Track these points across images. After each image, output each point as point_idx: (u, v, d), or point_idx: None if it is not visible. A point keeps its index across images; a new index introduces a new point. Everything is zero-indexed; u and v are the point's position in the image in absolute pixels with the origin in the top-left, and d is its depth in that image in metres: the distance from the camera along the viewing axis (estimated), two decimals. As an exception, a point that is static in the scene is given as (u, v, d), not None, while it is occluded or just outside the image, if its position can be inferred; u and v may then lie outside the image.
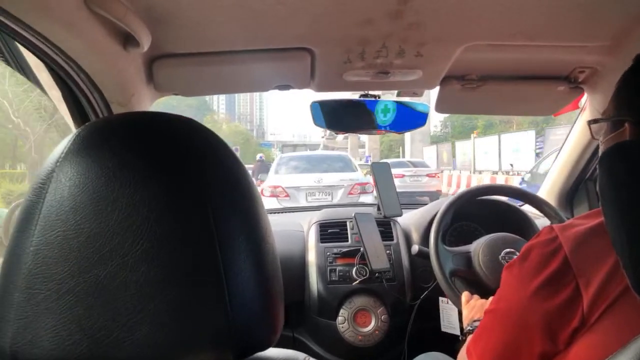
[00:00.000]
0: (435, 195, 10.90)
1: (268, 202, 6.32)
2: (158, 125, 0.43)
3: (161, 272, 0.38)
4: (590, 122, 0.74)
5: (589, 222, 0.63)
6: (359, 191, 6.71)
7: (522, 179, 9.87)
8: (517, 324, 0.65)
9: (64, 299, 0.37)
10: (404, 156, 23.23)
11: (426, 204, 1.70)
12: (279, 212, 2.13)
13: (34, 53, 0.82)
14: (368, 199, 6.54)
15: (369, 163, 13.79)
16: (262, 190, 6.83)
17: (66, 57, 0.82)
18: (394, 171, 9.57)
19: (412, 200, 8.46)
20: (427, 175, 12.19)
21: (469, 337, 0.89)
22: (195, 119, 0.47)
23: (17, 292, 0.38)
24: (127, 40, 0.87)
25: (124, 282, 0.37)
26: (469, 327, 1.00)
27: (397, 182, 10.58)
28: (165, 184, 0.39)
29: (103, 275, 0.37)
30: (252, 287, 0.41)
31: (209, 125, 0.47)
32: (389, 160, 13.22)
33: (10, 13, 0.64)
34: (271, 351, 0.46)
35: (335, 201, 6.49)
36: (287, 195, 6.59)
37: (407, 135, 21.37)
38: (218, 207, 0.40)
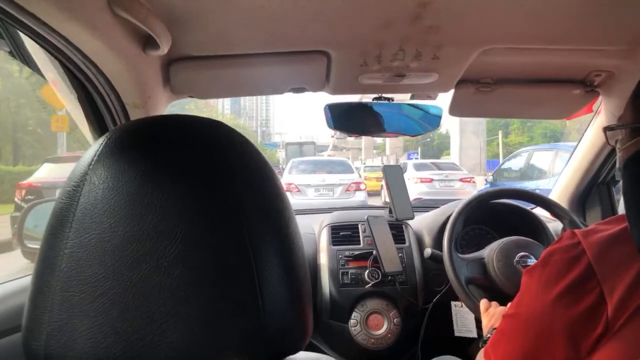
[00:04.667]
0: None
1: None
2: (189, 129, 0.43)
3: (194, 275, 0.38)
4: (606, 129, 0.72)
5: (612, 228, 0.62)
6: (354, 188, 8.53)
7: (485, 179, 9.64)
8: (539, 330, 0.64)
9: (98, 302, 0.37)
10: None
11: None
12: None
13: (54, 55, 0.82)
14: (361, 195, 8.51)
15: (414, 160, 13.27)
16: None
17: (86, 59, 0.83)
18: (420, 174, 9.42)
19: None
20: (461, 179, 10.62)
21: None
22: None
23: (51, 294, 0.38)
24: (147, 42, 0.87)
25: (158, 285, 0.37)
26: (489, 335, 0.99)
27: (424, 187, 9.52)
28: (197, 187, 0.39)
29: (137, 278, 0.37)
30: (284, 291, 0.41)
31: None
32: (413, 161, 12.87)
33: (35, 16, 0.64)
34: (300, 354, 0.46)
35: (336, 196, 8.40)
36: (299, 191, 8.40)
37: (455, 126, 19.35)
38: (250, 210, 0.40)
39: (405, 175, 10.06)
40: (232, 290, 0.38)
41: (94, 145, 0.42)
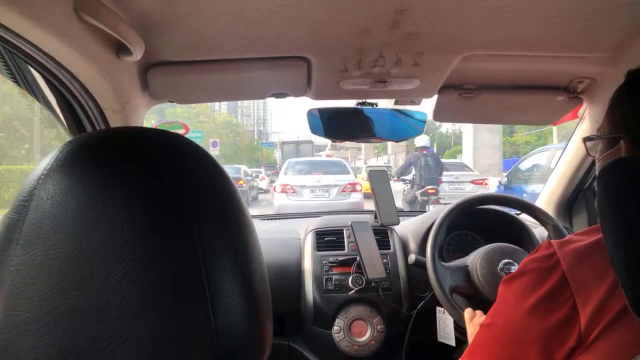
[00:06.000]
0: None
1: (279, 197, 8.51)
2: (144, 142, 0.42)
3: (144, 294, 0.36)
4: (585, 139, 0.72)
5: (588, 238, 0.62)
6: (350, 189, 8.50)
7: (499, 182, 8.77)
8: (513, 341, 0.63)
9: (43, 321, 0.36)
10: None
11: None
12: (275, 218, 2.11)
13: (27, 62, 0.81)
14: (357, 196, 8.43)
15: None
16: (273, 187, 9.13)
17: (59, 65, 0.82)
18: None
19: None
20: (473, 181, 9.70)
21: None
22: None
23: None
24: (121, 48, 0.86)
25: (106, 304, 0.36)
26: None
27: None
28: (149, 203, 0.38)
29: (84, 296, 0.36)
30: (240, 309, 0.40)
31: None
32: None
33: (1, 24, 0.63)
34: None
35: (331, 197, 8.41)
36: (294, 192, 8.41)
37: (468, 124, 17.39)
38: (204, 226, 0.39)
39: (410, 176, 9.34)
40: (184, 310, 0.37)
41: (45, 159, 0.41)
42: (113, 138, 0.42)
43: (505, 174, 9.41)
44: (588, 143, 0.73)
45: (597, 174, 0.65)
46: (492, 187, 10.12)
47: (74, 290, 0.36)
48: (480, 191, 9.05)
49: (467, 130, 18.66)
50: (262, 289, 0.44)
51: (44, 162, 0.40)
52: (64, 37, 0.72)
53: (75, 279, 0.36)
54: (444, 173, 8.75)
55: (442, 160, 8.40)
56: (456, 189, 9.41)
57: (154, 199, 0.38)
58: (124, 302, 0.36)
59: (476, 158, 17.08)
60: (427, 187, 6.84)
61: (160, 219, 0.38)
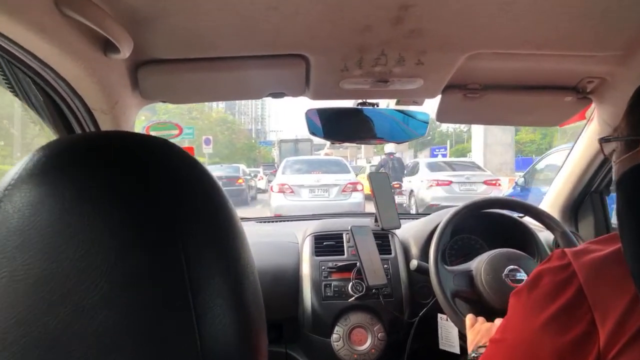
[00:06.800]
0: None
1: (276, 198, 8.20)
2: (126, 148, 0.37)
3: (122, 320, 0.32)
4: (601, 140, 0.69)
5: (605, 248, 0.58)
6: (351, 189, 8.20)
7: (516, 182, 8.19)
8: (525, 357, 0.60)
9: (9, 351, 0.32)
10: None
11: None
12: (273, 222, 2.07)
13: (9, 60, 0.77)
14: (358, 196, 8.14)
15: (429, 158, 12.71)
16: (271, 187, 8.76)
17: (42, 63, 0.77)
18: (436, 176, 8.58)
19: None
20: (485, 182, 8.92)
21: None
22: None
23: None
24: (108, 45, 0.82)
25: (80, 332, 0.32)
26: (473, 354, 0.95)
27: (441, 192, 8.65)
28: (129, 217, 0.34)
29: (54, 323, 0.32)
30: (231, 334, 0.36)
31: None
32: (422, 160, 11.55)
33: None
34: None
35: (331, 198, 8.09)
36: (292, 192, 8.11)
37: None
38: (191, 243, 0.35)
39: (417, 177, 9.65)
40: (168, 336, 0.33)
41: (13, 168, 0.36)
42: (91, 143, 0.38)
43: (521, 173, 8.92)
44: (604, 144, 0.69)
45: (614, 178, 0.62)
46: (505, 188, 9.46)
47: (44, 317, 0.32)
48: (493, 193, 8.63)
49: (477, 126, 16.98)
50: (256, 309, 0.40)
51: (12, 171, 0.36)
52: (45, 33, 0.68)
53: (44, 304, 0.32)
54: (454, 173, 9.37)
55: (451, 159, 9.50)
56: (467, 190, 8.71)
57: (135, 211, 0.34)
58: (100, 329, 0.32)
59: (487, 156, 16.11)
60: (393, 183, 7.88)
61: (140, 236, 0.34)
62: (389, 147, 9.14)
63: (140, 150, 0.38)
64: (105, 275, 0.32)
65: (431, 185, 9.04)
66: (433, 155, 20.34)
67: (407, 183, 9.82)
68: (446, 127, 36.60)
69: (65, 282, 0.32)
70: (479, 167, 10.27)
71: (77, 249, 0.32)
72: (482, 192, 8.75)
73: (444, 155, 20.69)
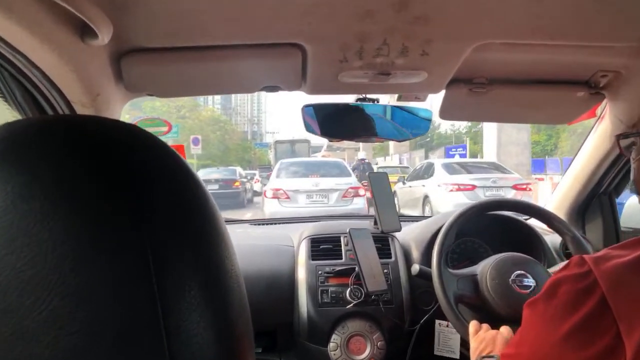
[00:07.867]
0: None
1: (270, 204, 7.46)
2: (85, 135, 0.31)
3: (76, 341, 0.27)
4: (619, 137, 0.65)
5: (629, 254, 0.54)
6: (352, 194, 7.49)
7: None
8: None
9: None
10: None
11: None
12: (267, 224, 2.02)
13: None
14: (360, 202, 7.44)
15: (444, 159, 12.48)
16: (264, 192, 8.00)
17: (12, 49, 0.71)
18: (456, 180, 7.67)
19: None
20: (514, 187, 7.77)
21: None
22: None
23: None
24: (85, 30, 0.75)
25: (23, 355, 0.26)
26: None
27: (463, 197, 7.31)
28: (86, 216, 0.28)
29: None
30: (210, 357, 0.30)
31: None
32: (437, 161, 10.01)
33: None
34: None
35: (331, 204, 7.36)
36: (288, 197, 7.39)
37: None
38: (161, 247, 0.29)
39: (433, 180, 8.60)
40: None
41: None
42: (46, 128, 0.31)
43: (537, 176, 8.41)
44: (622, 141, 0.64)
45: (632, 176, 0.58)
46: (544, 191, 8.15)
47: None
48: (524, 199, 6.79)
49: (489, 125, 15.91)
50: (243, 322, 0.35)
51: None
52: (12, 13, 0.61)
53: None
54: (477, 176, 8.06)
55: (470, 159, 9.70)
56: (494, 196, 7.33)
57: (93, 210, 0.28)
58: (48, 353, 0.26)
59: (501, 157, 14.68)
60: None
61: (100, 237, 0.28)
62: (361, 154, 10.86)
63: (104, 137, 0.31)
64: (55, 287, 0.27)
65: (451, 190, 7.83)
66: (449, 156, 18.47)
67: (421, 187, 8.83)
68: (444, 129, 36.53)
69: (6, 296, 0.26)
70: (503, 169, 8.81)
71: (20, 256, 0.27)
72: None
73: (462, 156, 18.38)
